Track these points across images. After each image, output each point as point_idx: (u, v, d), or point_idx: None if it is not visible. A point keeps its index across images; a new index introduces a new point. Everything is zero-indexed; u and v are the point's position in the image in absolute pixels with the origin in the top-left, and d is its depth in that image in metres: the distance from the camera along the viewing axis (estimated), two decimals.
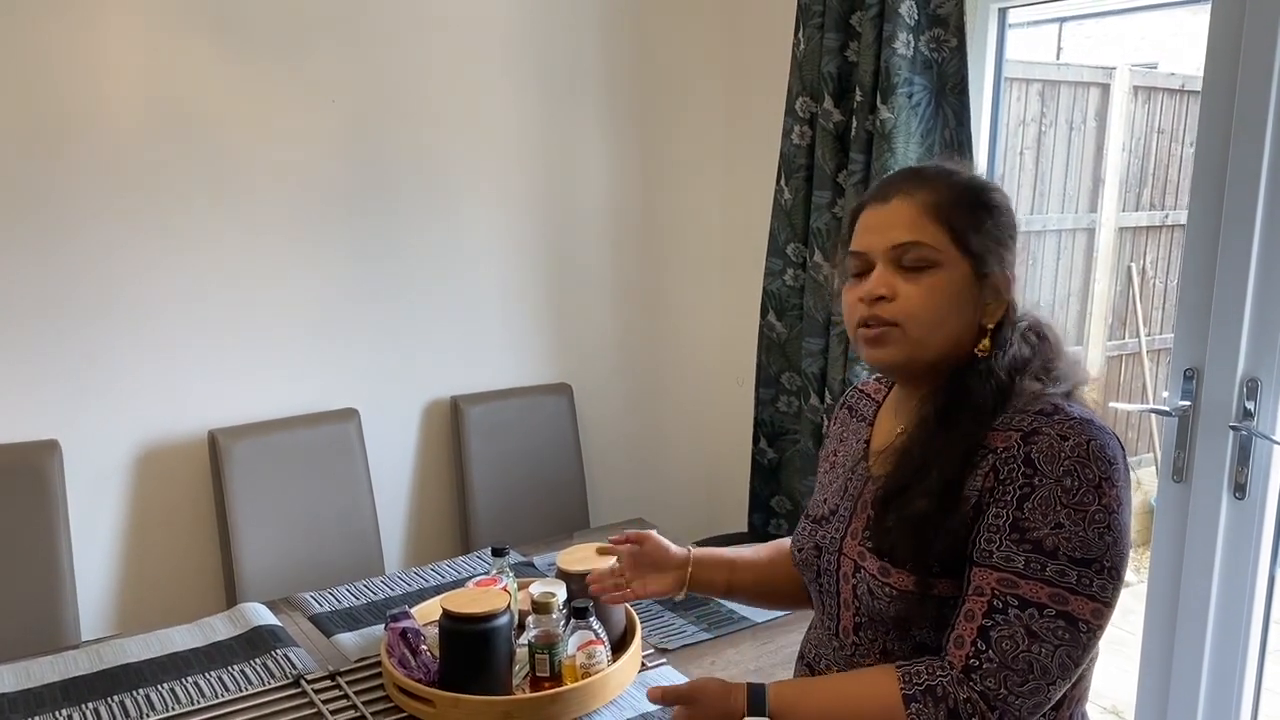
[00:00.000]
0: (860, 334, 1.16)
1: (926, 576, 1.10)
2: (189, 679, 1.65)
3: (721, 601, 1.96)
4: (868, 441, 1.29)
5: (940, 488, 1.09)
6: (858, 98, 2.30)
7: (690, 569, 1.44)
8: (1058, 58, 6.47)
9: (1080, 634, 1.03)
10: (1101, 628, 1.04)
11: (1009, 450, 1.07)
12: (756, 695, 1.15)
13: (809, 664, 1.29)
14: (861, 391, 1.39)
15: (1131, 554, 1.11)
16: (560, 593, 1.58)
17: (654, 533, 1.48)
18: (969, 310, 1.14)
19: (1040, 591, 1.03)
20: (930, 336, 1.13)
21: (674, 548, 1.46)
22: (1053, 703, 1.06)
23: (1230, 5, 1.74)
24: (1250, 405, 1.79)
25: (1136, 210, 4.70)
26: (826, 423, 2.47)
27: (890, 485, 1.15)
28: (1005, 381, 1.12)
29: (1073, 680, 1.06)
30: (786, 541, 1.45)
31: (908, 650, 1.14)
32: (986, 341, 1.14)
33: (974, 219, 1.13)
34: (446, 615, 1.50)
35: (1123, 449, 1.08)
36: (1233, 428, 1.81)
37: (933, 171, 1.19)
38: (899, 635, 1.15)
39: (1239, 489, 1.82)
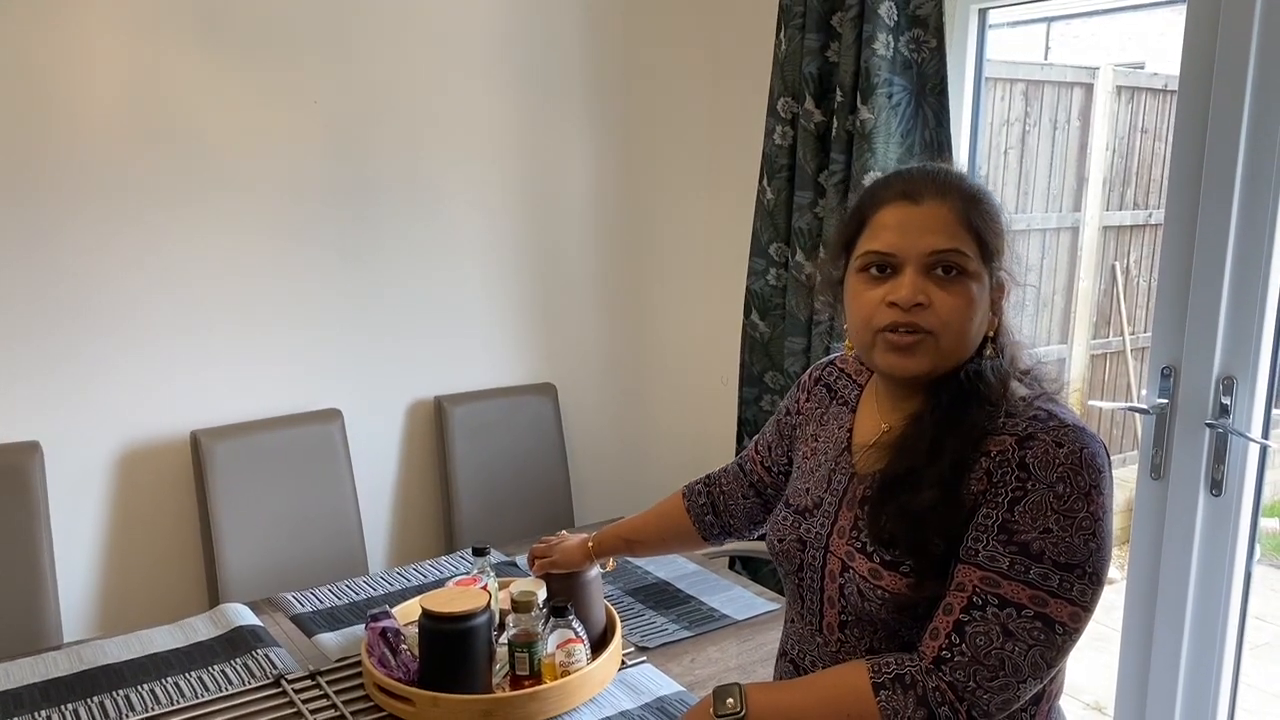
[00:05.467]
0: (886, 339, 1.12)
1: (922, 578, 1.10)
2: (169, 679, 1.65)
3: (702, 600, 1.97)
4: (850, 430, 1.27)
5: (950, 476, 1.08)
6: (838, 98, 2.31)
7: (592, 548, 1.64)
8: (1045, 57, 6.50)
9: (1056, 636, 1.03)
10: (1078, 631, 1.05)
11: (1003, 454, 1.07)
12: (721, 696, 1.14)
13: (793, 660, 1.27)
14: (841, 370, 1.35)
15: (1114, 552, 1.11)
16: (540, 592, 1.58)
17: (557, 539, 1.70)
18: (986, 320, 1.13)
19: (1021, 593, 1.03)
20: (957, 347, 1.11)
21: (572, 542, 1.67)
22: (1023, 700, 1.06)
23: (1205, 6, 1.76)
24: (1226, 402, 1.80)
25: (1120, 209, 4.73)
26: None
27: (889, 476, 1.14)
28: (1005, 378, 1.13)
29: (1046, 680, 1.07)
30: (674, 499, 1.60)
31: (895, 649, 1.14)
32: (992, 349, 1.14)
33: (991, 226, 1.12)
34: (425, 615, 1.50)
35: (1108, 456, 1.08)
36: (1209, 425, 1.82)
37: (954, 175, 1.15)
38: (887, 635, 1.15)
39: (1215, 486, 1.83)
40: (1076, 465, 1.04)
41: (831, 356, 1.41)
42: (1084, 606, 1.04)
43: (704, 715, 1.16)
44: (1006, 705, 1.04)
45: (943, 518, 1.08)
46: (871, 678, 1.07)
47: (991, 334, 1.14)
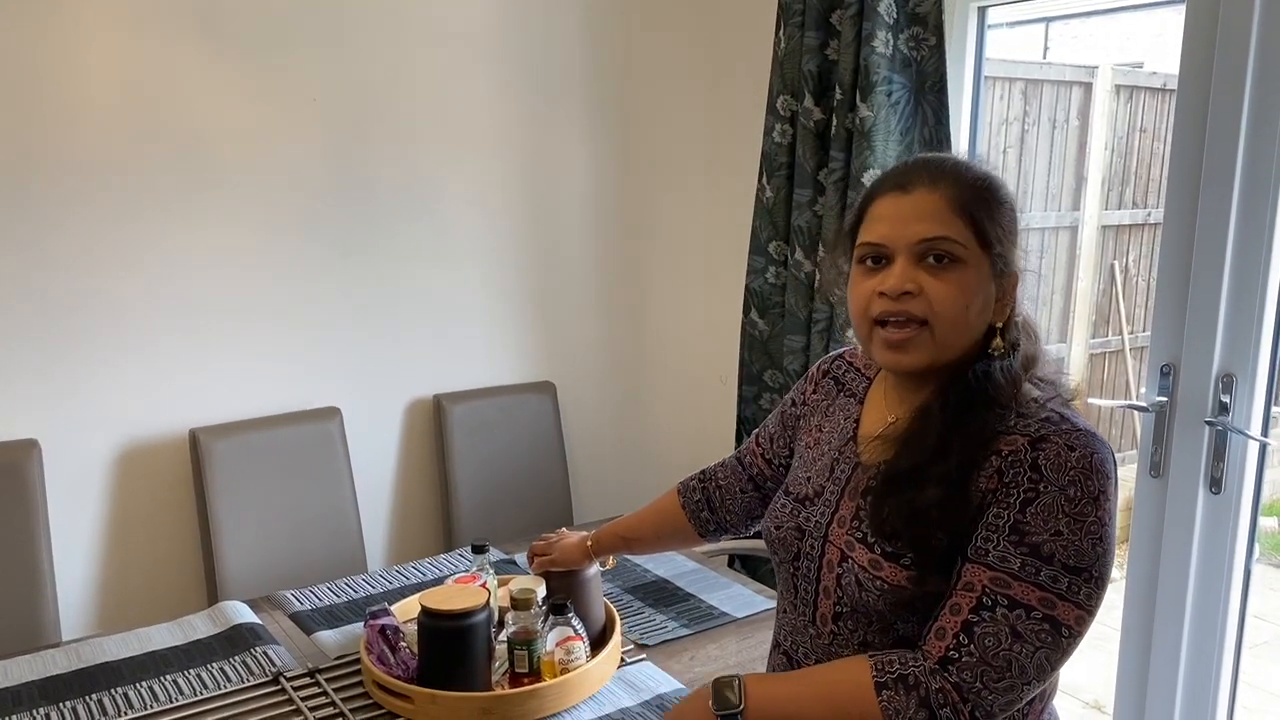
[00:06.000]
0: (881, 336, 1.12)
1: (923, 573, 1.09)
2: (168, 677, 1.65)
3: (702, 597, 1.97)
4: (857, 421, 1.26)
5: (956, 475, 1.08)
6: (837, 96, 2.31)
7: (590, 546, 1.63)
8: (1044, 57, 6.50)
9: (1062, 638, 1.03)
10: (1081, 635, 1.05)
11: (1015, 454, 1.06)
12: (720, 690, 1.13)
13: (785, 652, 1.26)
14: (850, 363, 1.35)
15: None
16: (539, 589, 1.58)
17: (556, 537, 1.69)
18: (988, 310, 1.11)
19: (1031, 594, 1.03)
20: (954, 337, 1.10)
21: (572, 540, 1.66)
22: (1024, 702, 1.07)
23: (1204, 5, 1.76)
24: (1225, 400, 1.80)
25: (1119, 208, 4.73)
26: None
27: (895, 470, 1.13)
28: (1016, 380, 1.11)
29: (1046, 683, 1.07)
30: (669, 497, 1.61)
31: (888, 643, 1.14)
32: (999, 340, 1.12)
33: (991, 214, 1.10)
34: (424, 612, 1.50)
35: (1115, 463, 1.08)
36: (1208, 423, 1.82)
37: (950, 163, 1.14)
38: (881, 628, 1.14)
39: (1214, 484, 1.83)
40: (1087, 469, 1.04)
41: (840, 350, 1.40)
42: (1089, 610, 1.04)
43: (702, 705, 1.15)
44: (1009, 707, 1.05)
45: (948, 514, 1.08)
46: (874, 677, 1.07)
47: (1000, 325, 1.13)
